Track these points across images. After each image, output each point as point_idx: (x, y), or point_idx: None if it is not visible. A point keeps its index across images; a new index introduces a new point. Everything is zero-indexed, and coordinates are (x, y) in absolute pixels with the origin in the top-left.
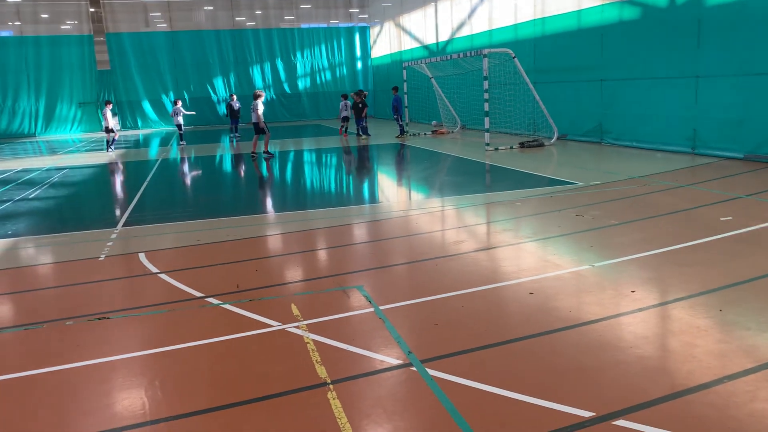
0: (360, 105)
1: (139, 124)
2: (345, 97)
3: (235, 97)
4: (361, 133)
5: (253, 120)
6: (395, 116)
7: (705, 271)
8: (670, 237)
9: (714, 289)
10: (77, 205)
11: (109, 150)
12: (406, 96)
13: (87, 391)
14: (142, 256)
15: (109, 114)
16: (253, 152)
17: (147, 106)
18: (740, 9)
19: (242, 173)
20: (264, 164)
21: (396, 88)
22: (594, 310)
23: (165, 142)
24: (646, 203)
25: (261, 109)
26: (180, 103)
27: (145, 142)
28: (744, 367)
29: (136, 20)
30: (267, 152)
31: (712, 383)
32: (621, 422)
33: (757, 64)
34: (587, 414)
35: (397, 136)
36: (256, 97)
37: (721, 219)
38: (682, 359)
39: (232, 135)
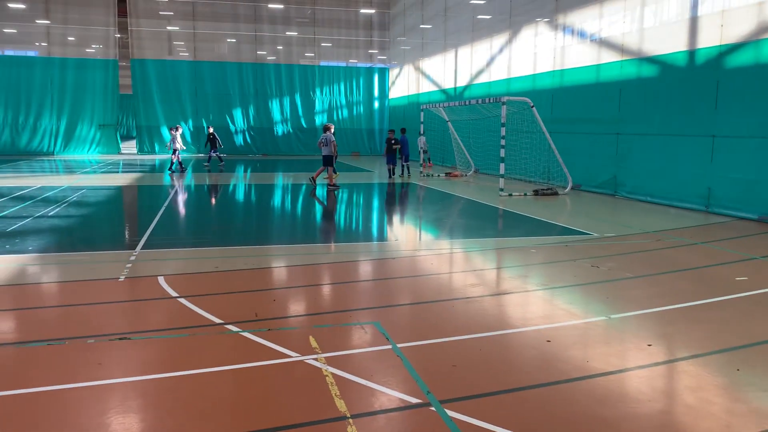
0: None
1: (157, 149)
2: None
3: (212, 128)
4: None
5: (326, 153)
6: (400, 156)
7: (721, 329)
8: (685, 293)
9: (731, 348)
10: (96, 225)
11: (176, 170)
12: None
13: (109, 408)
14: (161, 280)
15: (179, 137)
16: (325, 182)
17: (165, 132)
18: (758, 72)
19: (258, 203)
20: (331, 196)
21: (404, 130)
22: (611, 362)
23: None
24: (660, 258)
25: (334, 140)
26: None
27: (162, 167)
28: (761, 428)
29: (161, 48)
30: (333, 184)
31: None
32: None
33: None
34: None
35: (401, 176)
36: (327, 129)
37: (737, 279)
38: (701, 416)
39: (220, 165)
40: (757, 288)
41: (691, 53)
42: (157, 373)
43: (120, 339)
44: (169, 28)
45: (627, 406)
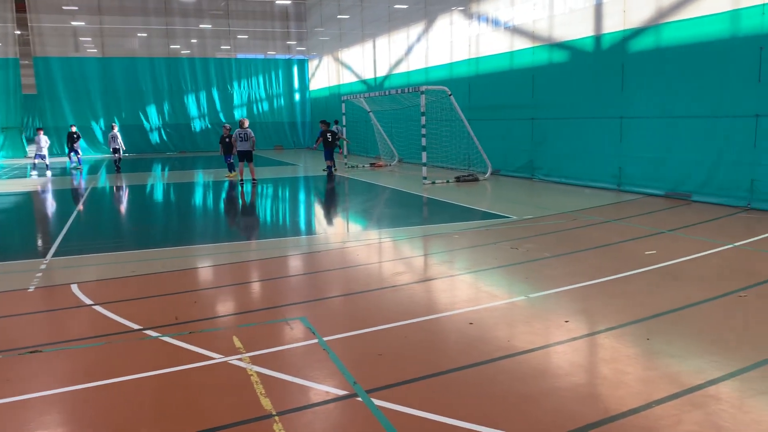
0: (227, 139)
1: (66, 150)
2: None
3: (74, 127)
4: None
5: (246, 148)
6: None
7: (632, 302)
8: (598, 270)
9: (641, 319)
10: (1, 234)
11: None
12: (344, 129)
13: (20, 427)
14: (74, 287)
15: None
16: (242, 179)
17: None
18: (659, 56)
19: (176, 203)
20: (255, 190)
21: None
22: (531, 339)
23: (94, 170)
24: (575, 237)
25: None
26: (116, 128)
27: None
28: (670, 392)
29: (66, 44)
30: (254, 179)
31: (641, 408)
32: None
33: (675, 107)
34: None
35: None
36: (245, 125)
37: (646, 253)
38: (614, 385)
39: (78, 166)
40: (664, 261)
41: (598, 38)
42: (73, 384)
43: (31, 352)
44: (73, 23)
45: (547, 381)
